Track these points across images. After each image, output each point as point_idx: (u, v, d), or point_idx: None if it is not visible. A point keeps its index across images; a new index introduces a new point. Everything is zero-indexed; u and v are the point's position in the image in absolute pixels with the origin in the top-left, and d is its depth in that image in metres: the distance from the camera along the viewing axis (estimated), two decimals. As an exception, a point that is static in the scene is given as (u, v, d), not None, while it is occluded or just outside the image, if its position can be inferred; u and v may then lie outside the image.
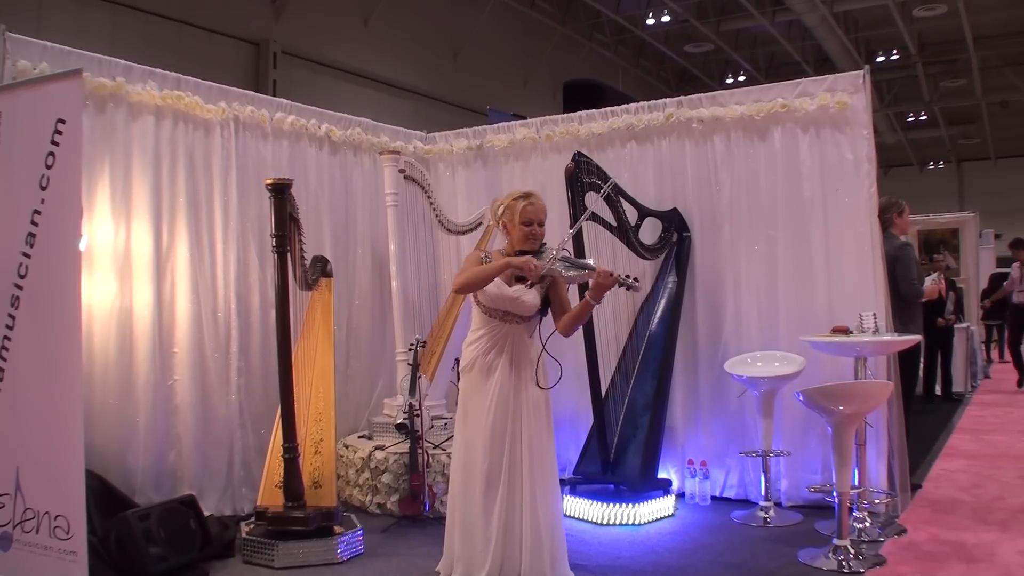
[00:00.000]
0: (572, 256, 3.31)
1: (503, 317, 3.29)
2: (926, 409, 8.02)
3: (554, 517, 3.31)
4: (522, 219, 3.30)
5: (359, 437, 5.23)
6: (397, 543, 4.29)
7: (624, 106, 5.46)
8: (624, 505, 4.56)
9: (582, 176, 4.68)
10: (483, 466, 3.22)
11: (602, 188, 4.79)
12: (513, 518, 3.21)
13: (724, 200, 5.13)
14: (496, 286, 3.27)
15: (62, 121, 3.20)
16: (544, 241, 3.36)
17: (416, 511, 4.55)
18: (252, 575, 3.87)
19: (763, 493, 4.67)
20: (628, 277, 3.21)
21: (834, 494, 3.85)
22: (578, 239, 4.62)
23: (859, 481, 4.33)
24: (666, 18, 16.35)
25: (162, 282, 4.50)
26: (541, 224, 3.33)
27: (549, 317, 3.40)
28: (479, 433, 3.26)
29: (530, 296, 3.27)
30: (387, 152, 5.33)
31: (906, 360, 4.88)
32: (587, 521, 4.61)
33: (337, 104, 6.54)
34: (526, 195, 3.35)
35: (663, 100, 5.35)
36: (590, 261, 3.27)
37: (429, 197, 5.32)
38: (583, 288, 4.47)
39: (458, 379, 3.49)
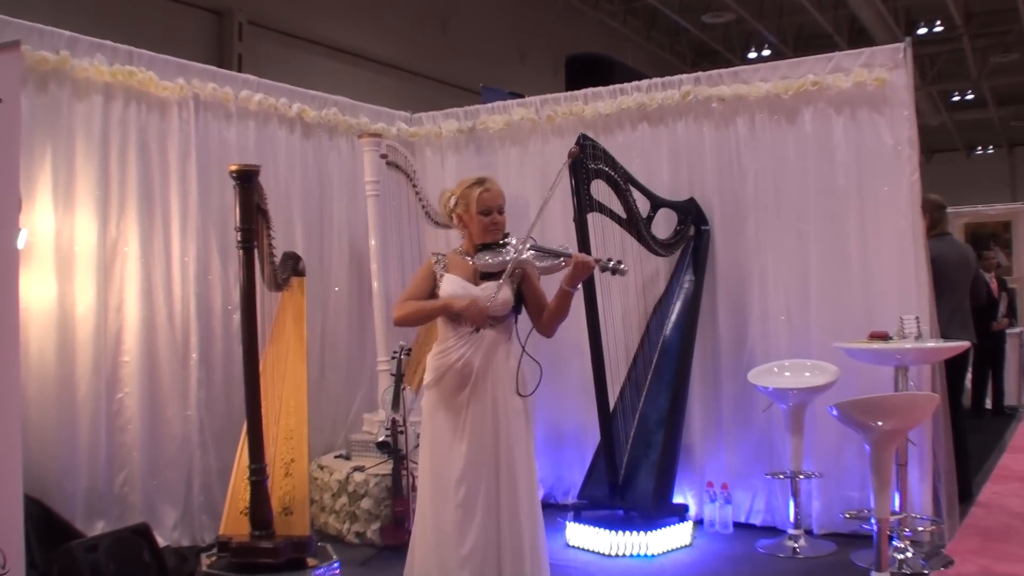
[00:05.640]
0: (540, 244, 3.28)
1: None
2: (975, 425, 8.02)
3: (536, 539, 3.30)
4: (479, 208, 3.28)
5: (335, 457, 5.23)
6: (378, 577, 4.28)
7: (635, 83, 5.47)
8: (635, 533, 4.56)
9: (587, 162, 4.67)
10: (458, 492, 3.20)
11: (611, 176, 4.79)
12: (491, 541, 3.20)
13: (748, 189, 5.13)
14: (460, 286, 3.26)
15: (-3, 99, 3.18)
16: (507, 231, 3.34)
17: (400, 540, 4.52)
18: (214, 614, 3.86)
19: (792, 520, 4.67)
20: (611, 260, 3.19)
21: (872, 521, 3.85)
22: (583, 234, 4.62)
23: (900, 506, 4.33)
24: (681, -16, 16.34)
25: (109, 282, 4.49)
26: (501, 211, 3.32)
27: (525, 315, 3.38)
28: (452, 455, 3.24)
29: (502, 293, 3.24)
30: (367, 135, 5.32)
31: (951, 369, 4.89)
32: (593, 552, 4.60)
33: (311, 81, 6.51)
34: (480, 180, 3.33)
35: (678, 76, 5.36)
36: (566, 248, 3.26)
37: (415, 186, 5.31)
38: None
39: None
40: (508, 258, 3.21)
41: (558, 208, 5.39)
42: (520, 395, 3.30)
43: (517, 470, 3.24)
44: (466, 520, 3.19)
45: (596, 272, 3.30)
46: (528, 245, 3.24)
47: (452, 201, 3.35)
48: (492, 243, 3.29)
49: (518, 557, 3.20)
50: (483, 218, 3.29)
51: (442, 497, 3.25)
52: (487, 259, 3.24)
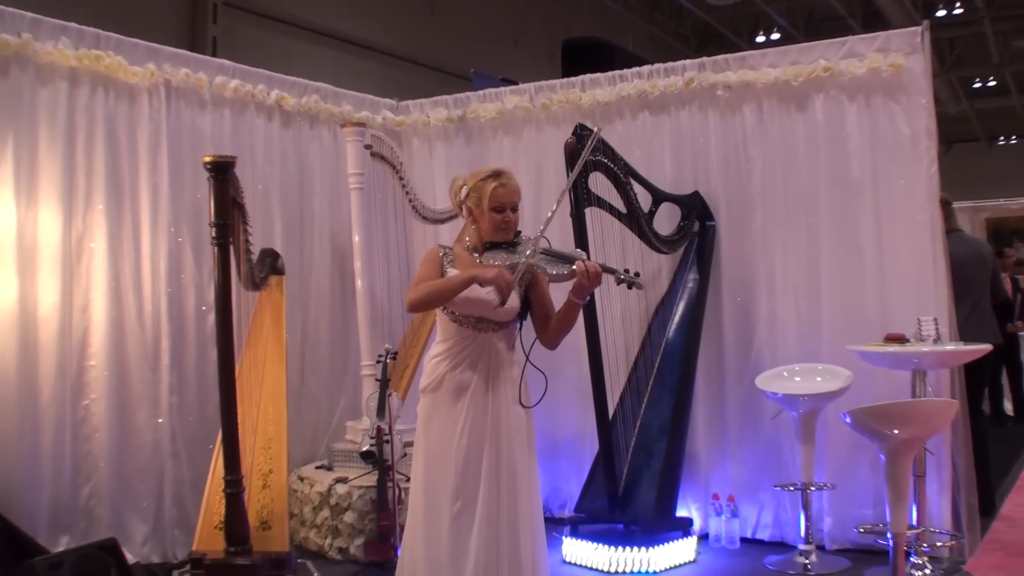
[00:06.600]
0: (553, 248, 3.22)
1: (476, 324, 3.25)
2: (996, 433, 8.03)
3: (537, 558, 3.28)
4: (492, 203, 3.23)
5: (316, 468, 5.22)
6: (362, 596, 4.28)
7: (635, 69, 5.47)
8: (636, 549, 4.56)
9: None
10: (454, 507, 3.19)
11: (610, 168, 4.78)
12: (489, 559, 3.19)
13: (755, 182, 5.13)
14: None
15: (-47, 85, 3.17)
16: (519, 229, 3.31)
17: (385, 556, 4.53)
18: (186, 635, 3.86)
19: (803, 534, 4.67)
20: (628, 272, 3.13)
21: (888, 535, 3.86)
22: (580, 230, 4.61)
23: (918, 520, 4.34)
24: (686, -36, 16.37)
25: (75, 281, 4.48)
26: (515, 209, 3.27)
27: (529, 323, 3.35)
28: (447, 466, 3.22)
29: (509, 297, 3.22)
30: (350, 124, 5.31)
31: (970, 374, 4.89)
32: (592, 568, 4.61)
33: (291, 66, 6.51)
34: (496, 174, 3.27)
35: (682, 62, 5.36)
36: (580, 253, 3.20)
37: (401, 178, 5.31)
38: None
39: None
40: (519, 260, 3.13)
41: (553, 203, 5.39)
42: (523, 406, 3.29)
43: (518, 484, 3.22)
44: (462, 536, 3.17)
45: (612, 283, 3.24)
46: (540, 248, 3.17)
47: (463, 192, 3.30)
48: (502, 242, 3.24)
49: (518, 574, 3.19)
50: (495, 215, 3.23)
51: (436, 510, 3.24)
52: (496, 260, 3.16)
